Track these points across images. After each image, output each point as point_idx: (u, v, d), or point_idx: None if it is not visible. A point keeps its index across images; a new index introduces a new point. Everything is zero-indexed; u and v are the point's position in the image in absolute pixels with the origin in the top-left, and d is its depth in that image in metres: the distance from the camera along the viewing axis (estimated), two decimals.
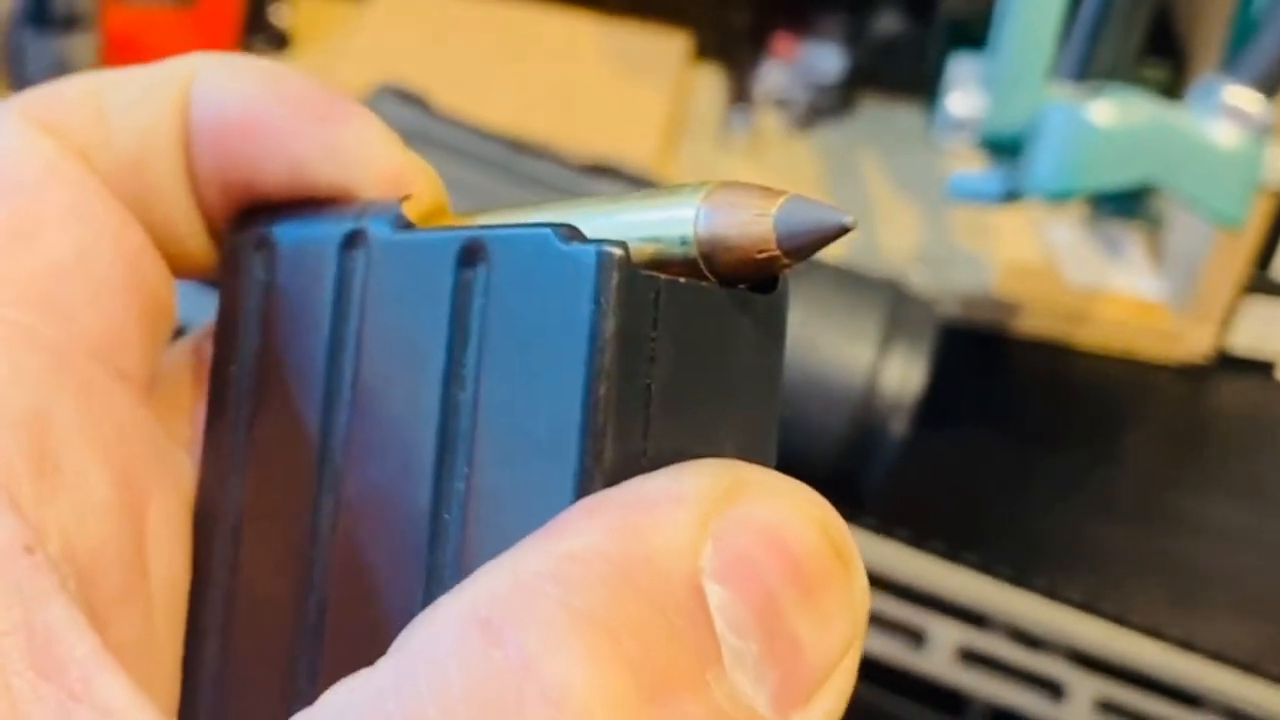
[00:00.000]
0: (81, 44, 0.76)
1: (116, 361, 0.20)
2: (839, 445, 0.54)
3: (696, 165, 0.86)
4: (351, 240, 0.19)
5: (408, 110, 0.57)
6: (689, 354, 0.16)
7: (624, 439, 0.16)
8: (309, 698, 0.15)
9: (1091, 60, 0.68)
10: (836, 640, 0.16)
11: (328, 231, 0.20)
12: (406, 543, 0.18)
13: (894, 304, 0.56)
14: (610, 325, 0.16)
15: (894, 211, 0.85)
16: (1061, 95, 0.62)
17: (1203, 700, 0.50)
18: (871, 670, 0.51)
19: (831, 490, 0.54)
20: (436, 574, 0.17)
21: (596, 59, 0.92)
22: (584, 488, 0.16)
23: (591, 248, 0.16)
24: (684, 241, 0.17)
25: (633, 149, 0.83)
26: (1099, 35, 0.68)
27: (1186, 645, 0.52)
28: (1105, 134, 0.60)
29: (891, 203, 0.86)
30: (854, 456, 0.54)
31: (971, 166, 0.81)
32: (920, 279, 0.76)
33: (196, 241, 0.22)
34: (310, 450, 0.20)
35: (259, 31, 0.91)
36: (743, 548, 0.15)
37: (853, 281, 0.56)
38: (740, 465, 0.16)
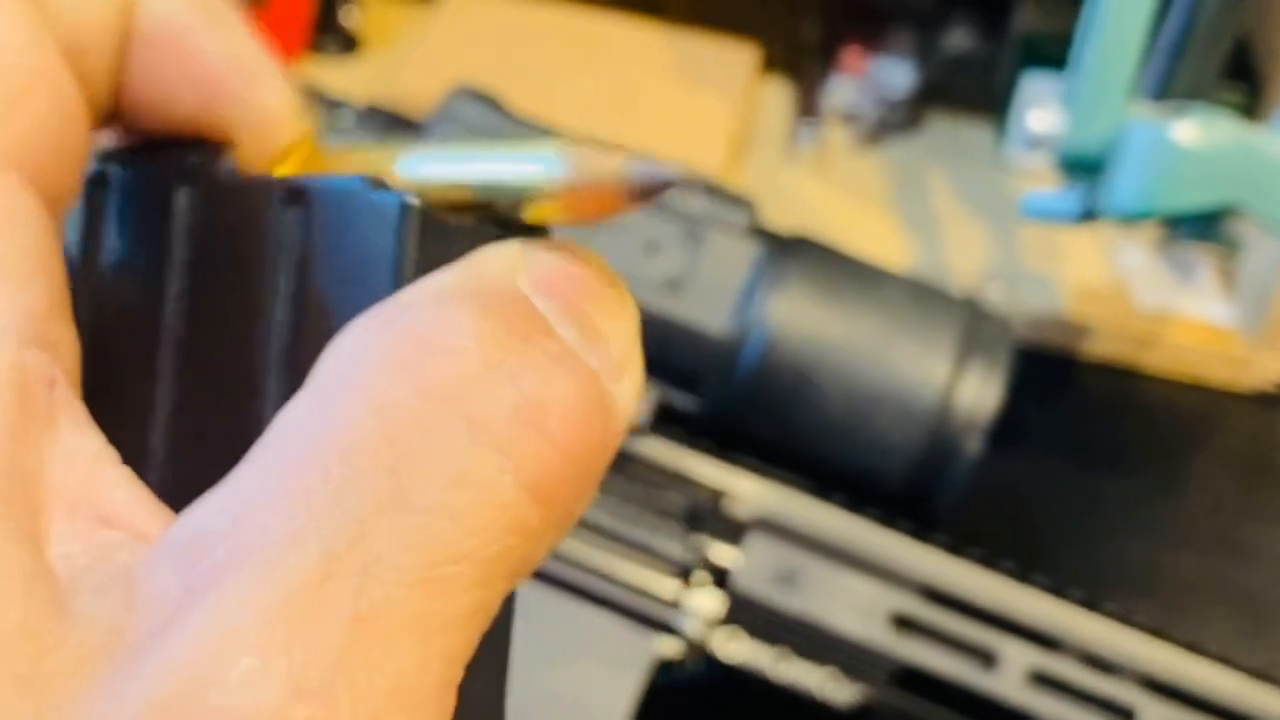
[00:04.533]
0: None
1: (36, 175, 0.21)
2: (912, 462, 0.54)
3: (762, 178, 0.86)
4: (182, 177, 0.22)
5: (483, 111, 0.57)
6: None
7: None
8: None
9: (1172, 81, 0.67)
10: (625, 333, 0.21)
11: (158, 170, 0.22)
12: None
13: (970, 321, 0.55)
14: (408, 254, 0.20)
15: (962, 229, 0.84)
16: (1144, 114, 0.61)
17: None
18: (941, 690, 0.50)
19: (904, 507, 0.53)
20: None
21: (665, 68, 0.91)
22: None
23: (394, 197, 0.20)
24: (522, 191, 0.21)
25: (699, 159, 0.83)
26: (1181, 55, 0.67)
27: (1260, 675, 0.51)
28: (1188, 154, 0.59)
29: (959, 221, 0.85)
30: (927, 474, 0.54)
31: (1040, 185, 0.81)
32: (996, 297, 0.76)
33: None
34: (145, 369, 0.23)
35: (328, 32, 0.91)
36: (546, 270, 0.20)
37: (929, 297, 0.56)
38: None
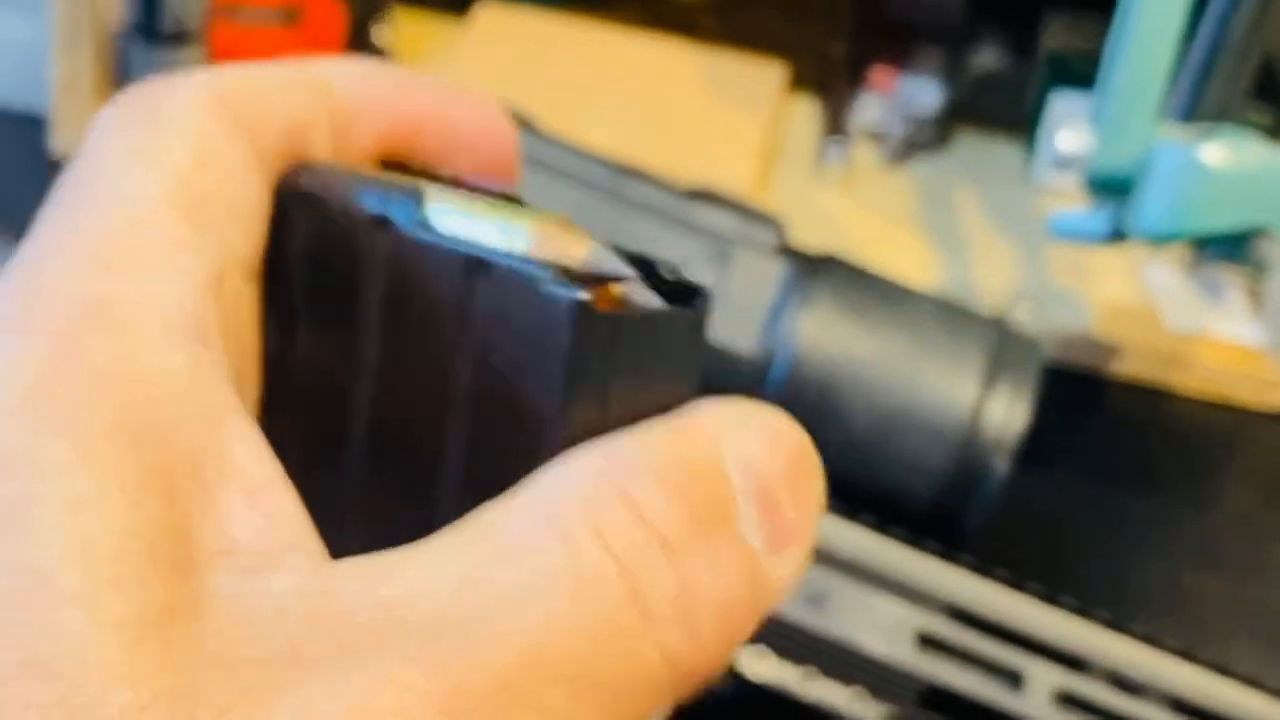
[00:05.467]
0: (189, 58, 0.76)
1: (249, 278, 0.24)
2: (940, 482, 0.54)
3: (790, 196, 0.86)
4: (377, 223, 0.23)
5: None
6: (636, 359, 0.22)
7: (586, 423, 0.22)
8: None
9: (1200, 101, 0.67)
10: (806, 513, 0.23)
11: (358, 207, 0.24)
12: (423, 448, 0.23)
13: (999, 341, 0.55)
14: (581, 352, 0.21)
15: (989, 249, 0.84)
16: (1172, 135, 0.61)
17: None
18: (968, 711, 0.50)
19: (931, 527, 0.53)
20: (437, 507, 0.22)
21: (693, 86, 0.92)
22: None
23: (570, 294, 0.21)
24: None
25: (727, 177, 0.83)
26: (1209, 76, 0.67)
27: None
28: (1217, 175, 0.59)
29: (987, 240, 0.85)
30: (955, 494, 0.54)
31: (1069, 205, 0.81)
32: (1024, 316, 0.76)
33: None
34: (336, 390, 0.25)
35: (361, 49, 0.91)
36: (750, 450, 0.22)
37: (957, 316, 0.56)
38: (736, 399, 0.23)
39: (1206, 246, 0.79)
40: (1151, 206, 0.60)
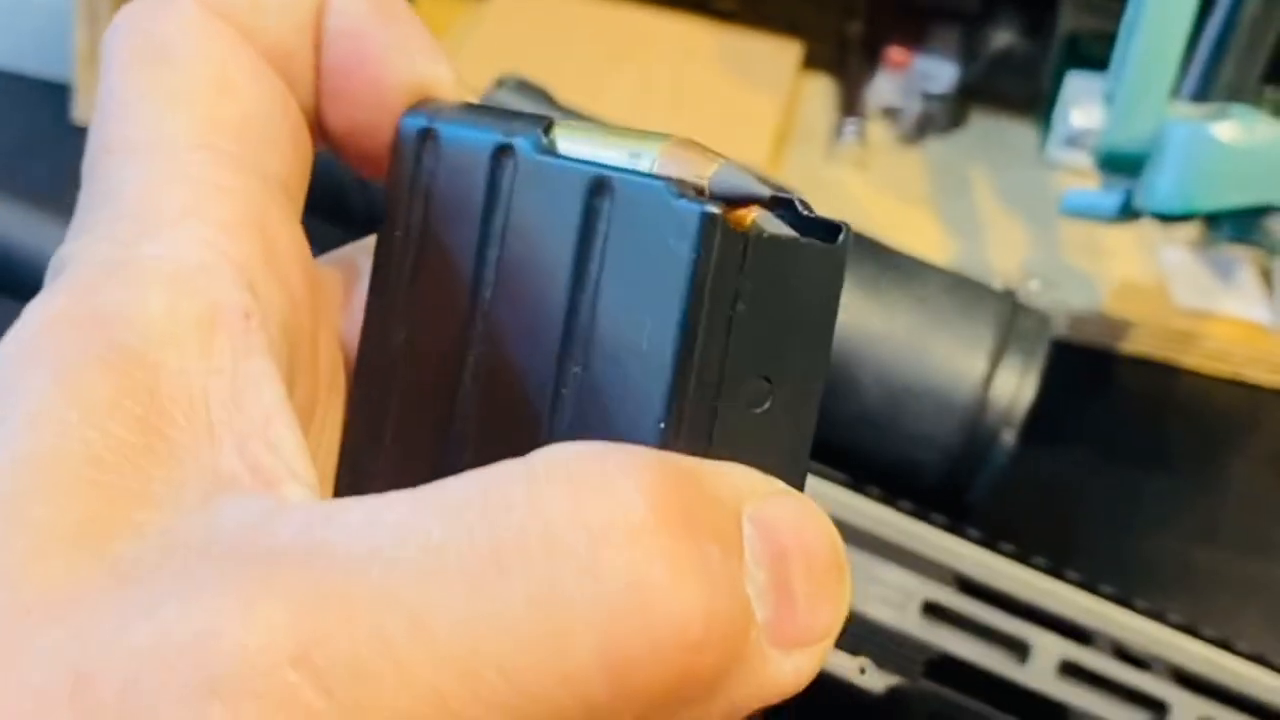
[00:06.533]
0: None
1: (290, 202, 0.24)
2: (948, 454, 0.54)
3: (804, 173, 0.86)
4: (501, 151, 0.23)
5: (531, 102, 0.58)
6: (765, 292, 0.20)
7: (708, 361, 0.20)
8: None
9: (1213, 80, 0.67)
10: (823, 616, 0.20)
11: (482, 138, 0.24)
12: (533, 406, 0.22)
13: (1009, 315, 0.55)
14: (706, 269, 0.19)
15: (1003, 227, 0.85)
16: (1185, 114, 0.62)
17: None
18: (974, 680, 0.51)
19: (939, 500, 0.53)
20: (557, 438, 0.21)
21: (710, 64, 0.92)
22: (673, 394, 0.20)
23: (696, 206, 0.19)
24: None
25: (743, 154, 0.83)
26: (1222, 56, 0.67)
27: None
28: (1230, 153, 0.59)
29: (1001, 218, 0.85)
30: (963, 466, 0.54)
31: (1082, 183, 0.81)
32: (1034, 293, 0.76)
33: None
34: (459, 315, 0.24)
35: None
36: (776, 520, 0.20)
37: (968, 290, 0.56)
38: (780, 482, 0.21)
39: (1218, 226, 0.79)
40: (1163, 183, 0.61)
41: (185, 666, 0.16)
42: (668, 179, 0.20)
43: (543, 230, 0.22)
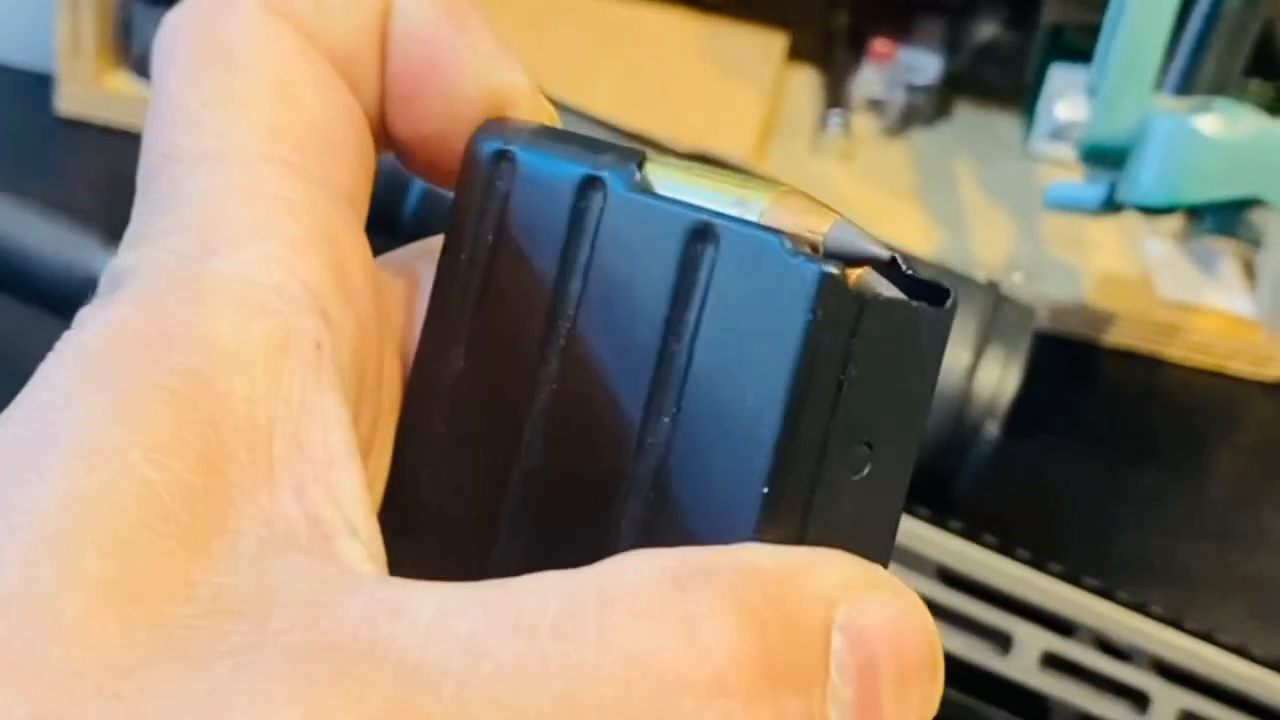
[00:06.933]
0: None
1: (356, 215, 0.23)
2: (932, 445, 0.54)
3: (789, 165, 0.86)
4: (589, 183, 0.22)
5: None
6: (874, 355, 0.19)
7: (815, 424, 0.19)
8: (506, 560, 0.20)
9: (1197, 74, 0.67)
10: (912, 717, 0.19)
11: (567, 169, 0.23)
12: (612, 451, 0.21)
13: (992, 306, 0.56)
14: (821, 332, 0.19)
15: (987, 219, 0.85)
16: (1168, 107, 0.62)
17: None
18: (957, 673, 0.51)
19: (922, 491, 0.53)
20: (636, 488, 0.21)
21: (694, 55, 0.92)
22: (779, 459, 0.19)
23: (815, 266, 0.19)
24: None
25: (727, 146, 0.83)
26: (1205, 48, 0.67)
27: (1273, 665, 0.51)
28: (1213, 145, 0.60)
29: (985, 210, 0.85)
30: (946, 457, 0.54)
31: (1067, 176, 0.81)
32: (1017, 285, 0.76)
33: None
34: (529, 346, 0.23)
35: None
36: (868, 624, 0.19)
37: (950, 281, 0.56)
38: (880, 569, 0.20)
39: (1201, 218, 0.79)
40: (1147, 176, 0.61)
41: None
42: (781, 233, 0.19)
43: (634, 270, 0.21)
